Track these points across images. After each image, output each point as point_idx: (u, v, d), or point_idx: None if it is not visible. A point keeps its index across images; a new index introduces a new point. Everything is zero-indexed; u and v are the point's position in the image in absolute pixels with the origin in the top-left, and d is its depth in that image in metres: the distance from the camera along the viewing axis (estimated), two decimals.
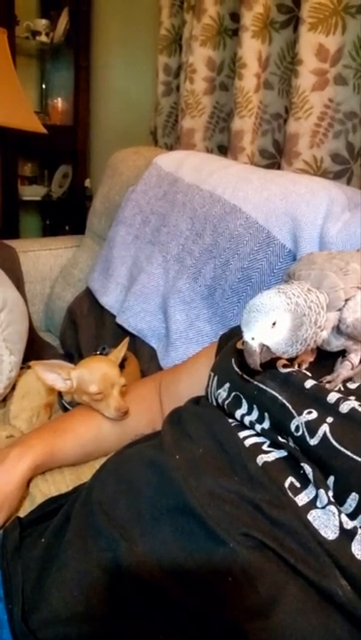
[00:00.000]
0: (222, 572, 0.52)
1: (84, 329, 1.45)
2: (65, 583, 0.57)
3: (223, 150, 1.67)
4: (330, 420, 0.59)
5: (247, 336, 0.60)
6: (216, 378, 0.76)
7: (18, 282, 1.41)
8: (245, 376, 0.70)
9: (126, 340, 1.00)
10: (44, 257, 1.68)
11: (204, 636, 0.52)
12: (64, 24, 2.44)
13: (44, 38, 2.51)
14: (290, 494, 0.57)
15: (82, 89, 2.48)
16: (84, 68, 2.45)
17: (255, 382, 0.68)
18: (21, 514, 0.74)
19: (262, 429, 0.65)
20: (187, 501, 0.57)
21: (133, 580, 0.55)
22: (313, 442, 0.58)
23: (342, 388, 0.64)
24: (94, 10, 2.38)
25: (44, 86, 2.83)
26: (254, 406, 0.67)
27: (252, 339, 0.60)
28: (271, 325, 0.59)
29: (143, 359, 1.26)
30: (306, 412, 0.61)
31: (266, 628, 0.50)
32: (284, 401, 0.64)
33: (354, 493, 0.54)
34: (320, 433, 0.58)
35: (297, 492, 0.57)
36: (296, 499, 0.56)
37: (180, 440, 0.68)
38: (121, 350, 0.97)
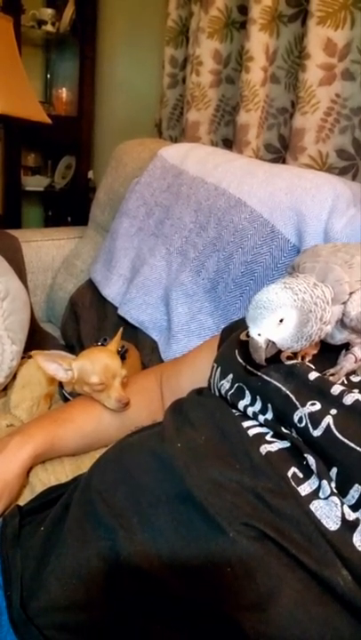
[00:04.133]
0: (221, 562, 0.52)
1: (86, 320, 1.45)
2: (64, 571, 0.57)
3: (228, 144, 1.66)
4: (334, 411, 0.59)
5: (253, 332, 0.60)
6: (219, 369, 0.76)
7: (20, 272, 1.40)
8: (249, 368, 0.70)
9: (120, 331, 1.00)
10: (46, 247, 1.68)
11: (202, 627, 0.52)
12: (70, 14, 2.43)
13: (49, 28, 2.49)
14: (292, 484, 0.56)
15: (87, 79, 2.47)
16: (90, 59, 2.44)
17: (259, 374, 0.68)
18: (21, 502, 0.74)
19: (265, 420, 0.65)
20: (187, 489, 0.57)
21: (132, 569, 0.55)
22: (316, 433, 0.58)
23: (346, 382, 0.64)
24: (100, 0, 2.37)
25: (48, 76, 2.81)
26: (258, 397, 0.67)
27: (259, 335, 0.60)
28: (278, 322, 0.59)
29: (144, 351, 1.26)
30: (310, 403, 0.61)
31: (263, 621, 0.50)
32: (288, 392, 0.63)
33: (357, 485, 0.53)
34: (323, 424, 0.58)
35: (300, 482, 0.57)
36: (299, 488, 0.56)
37: (182, 428, 0.67)
38: (117, 341, 0.97)
